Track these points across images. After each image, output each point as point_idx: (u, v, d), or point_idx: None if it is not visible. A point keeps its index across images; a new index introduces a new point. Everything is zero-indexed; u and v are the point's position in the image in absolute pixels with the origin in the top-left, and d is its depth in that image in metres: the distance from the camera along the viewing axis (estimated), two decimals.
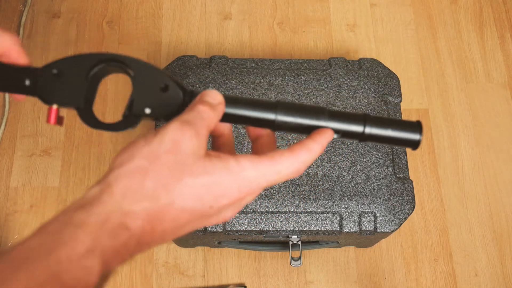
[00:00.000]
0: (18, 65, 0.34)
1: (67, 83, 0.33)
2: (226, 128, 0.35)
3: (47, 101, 0.33)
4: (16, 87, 0.34)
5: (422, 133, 0.35)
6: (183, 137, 0.28)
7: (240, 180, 0.28)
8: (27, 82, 0.34)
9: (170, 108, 0.33)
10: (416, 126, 0.35)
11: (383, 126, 0.35)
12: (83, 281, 0.23)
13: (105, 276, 0.25)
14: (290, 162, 0.30)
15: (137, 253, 0.26)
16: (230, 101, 0.34)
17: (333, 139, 0.35)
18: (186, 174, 0.27)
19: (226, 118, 0.34)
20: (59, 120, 0.34)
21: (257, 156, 0.30)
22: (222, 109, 0.32)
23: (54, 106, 0.33)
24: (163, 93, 0.33)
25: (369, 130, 0.35)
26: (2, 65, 0.34)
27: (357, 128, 0.35)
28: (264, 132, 0.35)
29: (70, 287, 0.22)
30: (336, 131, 0.35)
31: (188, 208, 0.27)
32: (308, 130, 0.35)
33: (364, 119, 0.35)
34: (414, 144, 0.35)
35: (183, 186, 0.27)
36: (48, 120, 0.33)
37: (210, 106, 0.31)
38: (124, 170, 0.27)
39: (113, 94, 1.17)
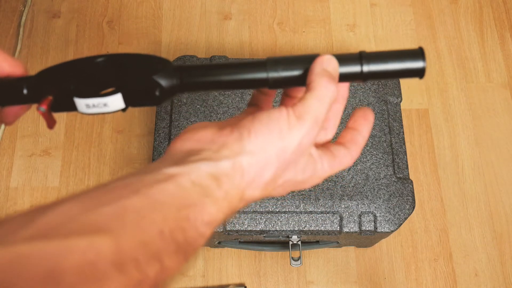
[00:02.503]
0: (13, 76, 0.34)
1: (68, 77, 0.34)
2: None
3: (43, 95, 0.33)
4: (15, 98, 0.34)
5: (425, 59, 0.33)
6: (308, 139, 0.31)
7: (317, 180, 0.34)
8: (25, 91, 0.34)
9: (158, 69, 0.34)
10: (418, 53, 0.33)
11: (382, 60, 0.33)
12: (196, 244, 0.26)
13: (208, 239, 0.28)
14: (349, 158, 0.35)
15: None
16: (218, 67, 0.34)
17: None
18: (293, 174, 0.32)
19: (219, 85, 0.34)
20: (51, 120, 0.34)
21: (333, 158, 0.34)
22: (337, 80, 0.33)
23: (49, 97, 0.33)
24: (150, 62, 0.34)
25: (367, 67, 0.33)
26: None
27: (354, 68, 0.33)
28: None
29: (186, 243, 0.25)
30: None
31: (276, 195, 0.33)
32: (305, 81, 0.33)
33: (359, 57, 0.33)
34: (419, 73, 0.33)
35: (285, 182, 0.32)
36: (40, 105, 0.33)
37: (335, 81, 0.32)
38: (257, 160, 0.29)
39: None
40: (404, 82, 1.20)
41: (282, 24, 1.27)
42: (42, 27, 1.23)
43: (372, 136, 0.90)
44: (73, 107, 0.34)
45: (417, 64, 0.33)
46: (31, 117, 1.14)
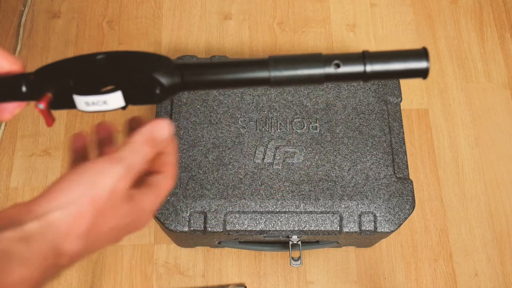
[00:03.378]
0: (12, 73, 0.34)
1: (68, 74, 0.34)
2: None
3: (43, 91, 0.33)
4: (14, 95, 0.34)
5: (429, 59, 0.32)
6: (123, 184, 0.31)
7: (149, 215, 0.34)
8: (24, 89, 0.34)
9: (158, 66, 0.34)
10: (422, 53, 0.33)
11: (385, 60, 0.33)
12: None
13: None
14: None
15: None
16: (220, 66, 0.34)
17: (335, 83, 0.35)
18: (117, 219, 0.32)
19: (221, 84, 0.34)
20: (50, 117, 0.34)
21: (154, 188, 0.34)
22: (168, 144, 0.35)
23: (48, 94, 0.33)
24: (151, 59, 0.34)
25: (370, 67, 0.33)
26: None
27: (357, 68, 0.33)
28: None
29: None
30: (335, 76, 0.33)
31: (107, 244, 0.33)
32: (308, 80, 0.33)
33: (363, 56, 0.33)
34: (423, 73, 0.33)
35: (112, 229, 0.32)
36: (38, 103, 0.33)
37: (155, 145, 0.34)
38: (68, 212, 0.29)
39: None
40: (404, 82, 1.20)
41: (282, 24, 1.27)
42: (42, 27, 1.23)
43: (372, 136, 0.90)
44: (72, 105, 0.34)
45: (420, 64, 0.32)
46: (31, 117, 1.14)
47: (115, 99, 0.34)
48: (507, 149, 1.15)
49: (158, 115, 0.92)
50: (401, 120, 0.93)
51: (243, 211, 0.85)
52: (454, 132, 1.17)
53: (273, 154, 0.89)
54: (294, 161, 0.88)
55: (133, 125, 0.38)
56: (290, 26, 1.27)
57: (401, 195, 0.86)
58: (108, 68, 0.34)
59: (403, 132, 0.92)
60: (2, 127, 1.12)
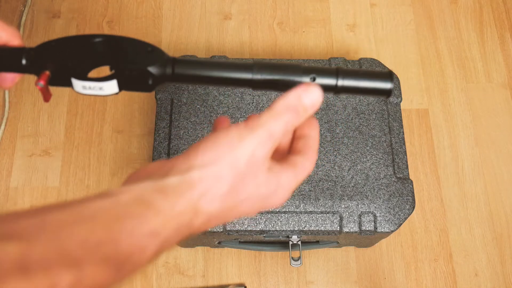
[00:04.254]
0: (14, 46, 0.36)
1: (65, 54, 0.36)
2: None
3: (41, 69, 0.35)
4: (14, 67, 0.36)
5: (393, 81, 0.36)
6: (262, 151, 0.31)
7: (285, 192, 0.33)
8: (24, 61, 0.36)
9: (153, 61, 0.36)
10: (387, 75, 0.36)
11: (355, 77, 0.36)
12: (134, 257, 0.25)
13: (155, 256, 0.27)
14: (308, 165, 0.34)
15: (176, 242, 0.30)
16: (209, 64, 0.36)
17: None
18: (254, 187, 0.31)
19: (208, 80, 0.36)
20: (47, 94, 0.36)
21: (294, 167, 0.33)
22: (312, 113, 0.34)
23: (47, 72, 0.35)
24: (147, 53, 0.37)
25: (341, 82, 0.36)
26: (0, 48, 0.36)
27: (330, 81, 0.36)
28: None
29: (119, 255, 0.24)
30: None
31: (243, 213, 0.32)
32: (285, 86, 0.36)
33: (336, 72, 0.36)
34: (386, 93, 0.36)
35: (248, 197, 0.31)
36: (38, 80, 0.34)
37: (300, 113, 0.33)
38: (208, 173, 0.29)
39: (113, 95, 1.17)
40: (404, 82, 1.20)
41: (282, 24, 1.27)
42: (42, 27, 1.23)
43: (372, 136, 0.90)
44: (69, 83, 0.36)
45: (385, 85, 0.36)
46: (31, 117, 1.14)
47: (110, 86, 0.36)
48: (507, 149, 1.15)
49: (158, 115, 0.92)
50: (401, 120, 0.93)
51: None
52: (454, 132, 1.17)
53: None
54: None
55: None
56: (290, 26, 1.27)
57: (401, 195, 0.87)
58: (104, 53, 0.37)
59: (403, 132, 0.92)
60: (2, 127, 1.12)
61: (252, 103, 0.92)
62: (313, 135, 0.35)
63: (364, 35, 1.26)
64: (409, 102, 1.19)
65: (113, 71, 0.36)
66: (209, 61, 0.37)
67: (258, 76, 0.36)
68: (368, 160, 0.88)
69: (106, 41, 0.37)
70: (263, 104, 0.92)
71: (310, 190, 0.86)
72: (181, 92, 0.93)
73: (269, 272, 1.03)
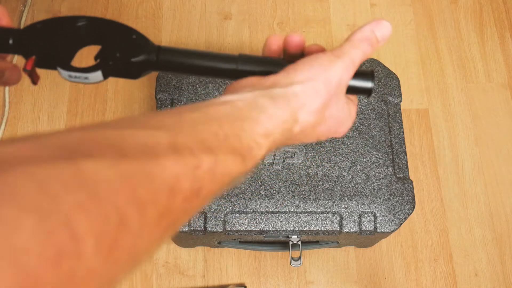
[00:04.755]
0: (1, 26, 0.37)
1: (50, 37, 0.36)
2: None
3: (28, 54, 0.36)
4: (1, 46, 0.36)
5: (374, 81, 0.38)
6: (347, 76, 0.35)
7: (351, 121, 0.38)
8: (11, 41, 0.36)
9: (138, 54, 0.36)
10: (369, 74, 0.38)
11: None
12: (254, 151, 0.29)
13: (268, 153, 0.31)
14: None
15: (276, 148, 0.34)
16: (194, 53, 0.38)
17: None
18: (336, 109, 0.35)
19: (192, 70, 0.37)
20: (35, 77, 0.37)
21: (355, 109, 0.39)
22: (382, 45, 0.38)
23: (33, 57, 0.36)
24: (132, 42, 0.37)
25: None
26: None
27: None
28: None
29: (242, 148, 0.28)
30: (243, 71, 0.38)
31: (320, 135, 0.36)
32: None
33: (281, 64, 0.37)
34: (368, 91, 0.38)
35: (330, 117, 0.35)
36: (25, 66, 0.36)
37: (374, 44, 0.37)
38: (308, 87, 0.33)
39: (113, 94, 1.17)
40: (404, 82, 1.20)
41: (282, 24, 1.27)
42: None
43: (372, 136, 0.90)
44: (54, 67, 0.37)
45: (366, 84, 0.38)
46: (31, 117, 1.14)
47: (95, 76, 0.37)
48: (507, 149, 1.15)
49: None
50: (401, 120, 0.93)
51: (243, 211, 0.85)
52: (454, 132, 1.16)
53: (273, 154, 0.89)
54: (294, 161, 0.88)
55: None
56: (290, 26, 1.27)
57: (401, 195, 0.86)
58: (89, 37, 0.38)
59: (403, 132, 0.92)
60: (2, 127, 1.12)
61: None
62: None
63: None
64: (409, 102, 1.19)
65: (98, 61, 0.36)
66: (195, 51, 0.38)
67: (242, 68, 0.37)
68: (368, 160, 0.88)
69: (90, 24, 0.37)
70: None
71: (310, 190, 0.86)
72: (181, 92, 0.93)
73: (269, 272, 1.03)
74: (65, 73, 0.36)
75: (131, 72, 0.37)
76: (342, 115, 0.36)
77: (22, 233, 0.15)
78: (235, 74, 0.37)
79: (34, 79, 0.37)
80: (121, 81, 1.18)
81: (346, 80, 0.35)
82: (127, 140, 0.22)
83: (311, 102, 0.33)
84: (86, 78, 0.36)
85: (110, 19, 0.37)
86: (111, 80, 1.17)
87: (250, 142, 0.29)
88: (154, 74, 1.18)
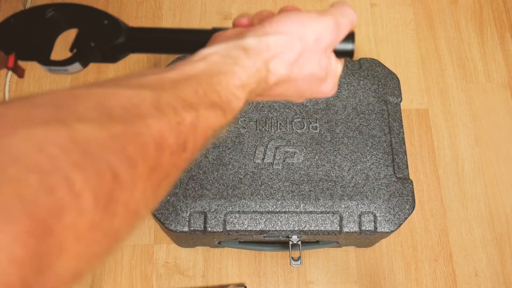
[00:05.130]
0: None
1: (25, 31, 0.37)
2: None
3: (8, 50, 0.37)
4: None
5: (354, 42, 0.37)
6: (328, 35, 0.35)
7: (336, 80, 0.39)
8: None
9: (112, 40, 0.37)
10: (350, 36, 0.37)
11: None
12: (232, 104, 0.30)
13: (246, 103, 0.32)
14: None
15: (257, 100, 0.36)
16: (165, 30, 0.38)
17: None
18: (315, 64, 0.36)
19: (165, 47, 0.38)
20: (20, 71, 0.37)
21: (341, 69, 0.39)
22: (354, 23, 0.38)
23: (12, 55, 0.37)
24: (104, 28, 0.37)
25: None
26: None
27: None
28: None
29: (221, 102, 0.29)
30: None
31: (301, 91, 0.37)
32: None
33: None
34: (349, 54, 0.38)
35: (310, 73, 0.36)
36: (7, 64, 0.37)
37: (352, 10, 0.37)
38: (281, 39, 0.34)
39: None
40: (404, 82, 1.20)
41: None
42: None
43: (372, 136, 0.90)
44: (35, 59, 0.37)
45: (347, 46, 0.38)
46: None
47: (74, 67, 0.37)
48: (507, 149, 1.15)
49: None
50: (401, 120, 0.93)
51: (243, 211, 0.85)
52: (454, 132, 1.16)
53: (273, 154, 0.89)
54: (294, 161, 0.88)
55: None
56: None
57: (401, 195, 0.86)
58: (62, 25, 0.38)
59: (403, 132, 0.92)
60: None
61: (252, 102, 0.92)
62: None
63: (364, 35, 1.26)
64: (409, 102, 1.19)
65: (74, 51, 0.37)
66: (167, 28, 0.38)
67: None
68: (368, 160, 0.88)
69: (59, 13, 0.38)
70: (263, 104, 0.92)
71: (310, 190, 0.86)
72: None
73: (269, 272, 1.03)
74: (45, 68, 0.37)
75: (108, 57, 0.37)
76: (321, 76, 0.36)
77: (29, 188, 0.17)
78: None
79: (19, 73, 0.38)
80: None
81: (328, 39, 0.35)
82: (114, 100, 0.23)
83: (284, 54, 0.34)
84: (65, 70, 0.37)
85: (78, 3, 0.38)
86: None
87: (228, 95, 0.30)
88: None
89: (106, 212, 0.20)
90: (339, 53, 0.38)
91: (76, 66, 0.37)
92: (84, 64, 0.37)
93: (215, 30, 0.37)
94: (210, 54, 0.32)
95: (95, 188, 0.19)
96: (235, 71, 0.31)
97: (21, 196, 0.17)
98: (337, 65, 0.38)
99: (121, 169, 0.21)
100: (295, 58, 0.34)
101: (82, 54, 0.37)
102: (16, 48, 0.36)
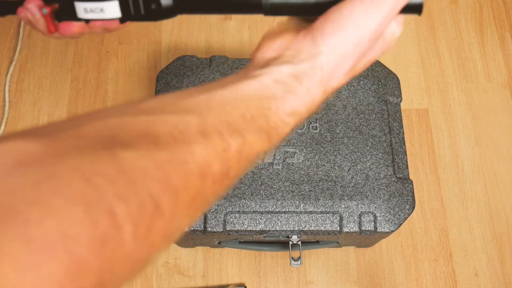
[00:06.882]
0: None
1: None
2: None
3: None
4: None
5: None
6: (384, 26, 0.33)
7: (388, 45, 0.36)
8: None
9: None
10: None
11: None
12: (280, 130, 0.30)
13: (293, 129, 0.32)
14: None
15: None
16: None
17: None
18: (371, 55, 0.34)
19: (215, 7, 0.36)
20: (51, 23, 0.38)
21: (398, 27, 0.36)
22: None
23: (55, 5, 0.36)
24: None
25: None
26: None
27: None
28: None
29: (269, 128, 0.29)
30: (330, 3, 0.35)
31: (364, 65, 0.35)
32: (301, 9, 0.35)
33: None
34: (417, 9, 0.35)
35: (365, 65, 0.34)
36: (44, 7, 0.38)
37: None
38: (335, 56, 0.32)
39: (113, 94, 1.17)
40: (404, 82, 1.20)
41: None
42: None
43: (372, 136, 0.90)
44: (73, 15, 0.36)
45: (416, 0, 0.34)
46: (30, 117, 1.14)
47: (111, 8, 0.35)
48: (507, 149, 1.15)
49: None
50: (401, 120, 0.93)
51: (243, 211, 0.85)
52: (454, 132, 1.17)
53: (273, 154, 0.89)
54: (294, 161, 0.88)
55: None
56: None
57: (401, 195, 0.87)
58: None
59: (403, 132, 0.92)
60: (2, 127, 1.12)
61: None
62: None
63: None
64: (409, 102, 1.19)
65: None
66: None
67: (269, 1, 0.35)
68: (368, 160, 0.88)
69: None
70: None
71: (310, 190, 0.86)
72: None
73: (269, 272, 1.03)
74: (80, 7, 0.36)
75: (149, 8, 0.35)
76: (379, 53, 0.35)
77: (72, 222, 0.17)
78: (262, 9, 0.35)
79: (50, 27, 0.38)
80: (121, 81, 1.18)
81: (384, 28, 0.33)
82: (159, 127, 0.23)
83: (340, 70, 0.32)
84: (101, 10, 0.35)
85: None
86: (111, 80, 1.17)
87: (277, 121, 0.29)
88: (154, 74, 1.19)
89: (143, 243, 0.20)
90: (403, 10, 0.34)
91: (114, 7, 0.35)
92: (123, 10, 0.35)
93: None
94: (263, 74, 0.31)
95: (136, 219, 0.19)
96: (287, 98, 0.30)
97: (64, 232, 0.17)
98: (394, 31, 0.35)
99: (163, 199, 0.21)
100: (350, 67, 0.33)
101: None
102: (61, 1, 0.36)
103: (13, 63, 1.16)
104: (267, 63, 0.32)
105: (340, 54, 0.32)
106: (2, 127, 1.12)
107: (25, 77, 1.15)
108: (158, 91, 0.93)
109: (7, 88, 1.15)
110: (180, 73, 0.95)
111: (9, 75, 1.15)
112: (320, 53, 0.32)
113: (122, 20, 0.37)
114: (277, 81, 0.30)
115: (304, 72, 0.31)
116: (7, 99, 1.15)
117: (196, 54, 1.20)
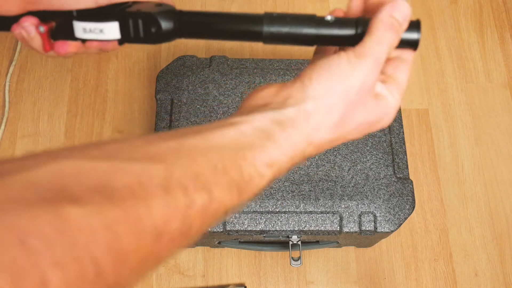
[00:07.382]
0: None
1: None
2: None
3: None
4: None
5: (420, 31, 0.34)
6: (371, 78, 0.31)
7: (394, 112, 0.34)
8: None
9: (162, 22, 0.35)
10: (415, 25, 0.34)
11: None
12: (254, 182, 0.27)
13: (271, 182, 0.29)
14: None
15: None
16: (216, 15, 0.35)
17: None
18: (364, 115, 0.32)
19: (215, 34, 0.35)
20: (47, 42, 0.37)
21: (397, 82, 0.34)
22: (405, 28, 0.34)
23: (52, 23, 0.36)
24: (156, 4, 0.36)
25: (361, 30, 0.34)
26: None
27: (349, 31, 0.35)
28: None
29: (242, 181, 0.27)
30: (326, 37, 0.35)
31: (351, 139, 0.34)
32: (299, 39, 0.34)
33: (356, 22, 0.34)
34: (414, 44, 0.35)
35: (358, 126, 0.32)
36: (40, 24, 0.36)
37: (398, 29, 0.33)
38: (322, 104, 0.31)
39: (113, 94, 1.17)
40: None
41: None
42: None
43: (372, 136, 0.90)
44: (71, 35, 0.36)
45: (413, 36, 0.34)
46: (31, 117, 1.14)
47: (111, 29, 0.35)
48: (507, 149, 1.15)
49: (158, 115, 0.92)
50: (401, 120, 0.93)
51: (243, 211, 0.85)
52: (454, 132, 1.17)
53: None
54: None
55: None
56: None
57: (401, 195, 0.87)
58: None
59: (403, 132, 0.92)
60: (2, 127, 1.12)
61: None
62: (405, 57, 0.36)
63: None
64: (409, 102, 1.19)
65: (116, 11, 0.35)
66: (217, 13, 0.36)
67: (269, 29, 0.34)
68: (368, 160, 0.88)
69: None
70: None
71: (310, 190, 0.86)
72: (181, 92, 0.93)
73: (269, 272, 1.03)
74: (79, 27, 0.35)
75: (149, 31, 0.35)
76: (375, 117, 0.33)
77: None
78: (262, 37, 0.35)
79: (46, 46, 0.37)
80: (121, 81, 1.18)
81: (372, 81, 0.32)
82: (118, 178, 0.21)
83: (326, 120, 0.31)
84: (101, 31, 0.35)
85: None
86: (111, 80, 1.17)
87: (252, 172, 0.27)
88: (154, 74, 1.18)
89: None
90: (400, 45, 0.34)
91: (114, 28, 0.34)
92: (122, 32, 0.35)
93: (266, 15, 0.35)
94: (243, 122, 0.29)
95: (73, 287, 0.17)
96: (266, 147, 0.28)
97: None
98: (394, 95, 0.33)
99: (107, 264, 0.19)
100: (338, 120, 0.31)
101: (124, 16, 0.34)
102: (57, 19, 0.36)
103: (13, 63, 1.16)
104: (253, 110, 0.31)
105: (327, 102, 0.31)
106: (2, 127, 1.12)
107: (25, 77, 1.15)
108: (158, 91, 0.93)
109: (7, 88, 1.15)
110: (180, 73, 0.95)
111: (9, 75, 1.15)
112: (308, 98, 0.31)
113: (121, 41, 0.36)
114: (257, 128, 0.29)
115: (289, 117, 0.30)
116: (7, 99, 1.15)
117: (196, 54, 1.20)
